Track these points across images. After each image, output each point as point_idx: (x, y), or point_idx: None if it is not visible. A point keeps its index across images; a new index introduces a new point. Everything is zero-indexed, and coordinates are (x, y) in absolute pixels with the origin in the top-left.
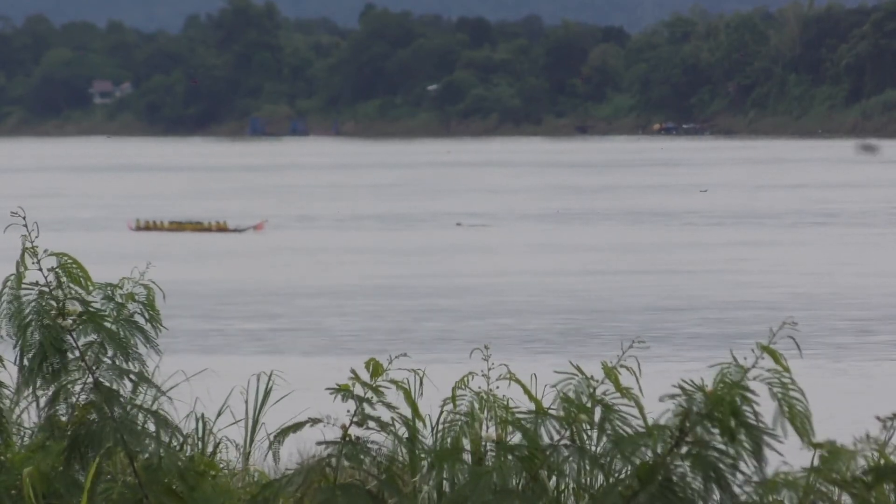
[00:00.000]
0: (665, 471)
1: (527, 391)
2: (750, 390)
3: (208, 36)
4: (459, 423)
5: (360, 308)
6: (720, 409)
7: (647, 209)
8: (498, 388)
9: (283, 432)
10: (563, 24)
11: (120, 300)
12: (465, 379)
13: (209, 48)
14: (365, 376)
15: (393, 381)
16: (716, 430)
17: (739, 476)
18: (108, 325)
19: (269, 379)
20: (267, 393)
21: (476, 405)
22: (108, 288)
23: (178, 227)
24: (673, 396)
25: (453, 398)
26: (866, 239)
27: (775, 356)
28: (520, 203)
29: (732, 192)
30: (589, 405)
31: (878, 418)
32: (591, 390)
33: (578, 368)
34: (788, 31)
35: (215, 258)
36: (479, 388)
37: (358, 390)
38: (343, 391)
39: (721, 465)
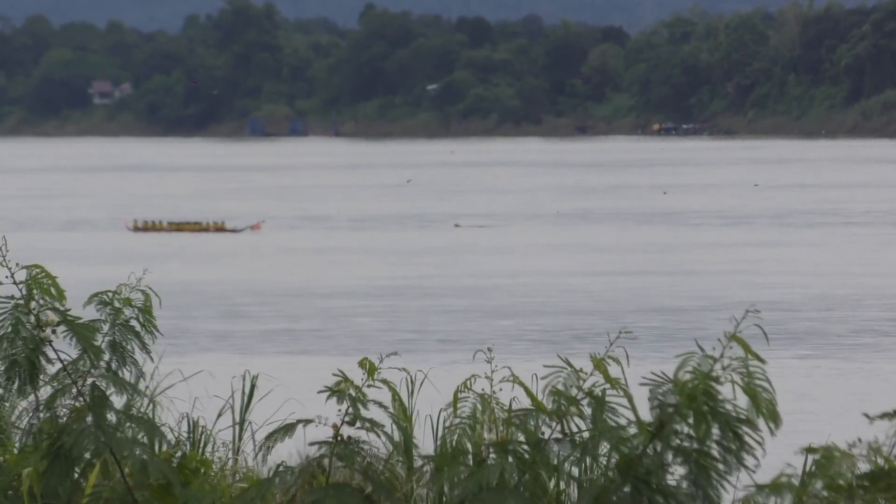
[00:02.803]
0: (644, 463)
1: (529, 393)
2: (718, 381)
3: (208, 36)
4: (462, 426)
5: (360, 308)
6: (693, 400)
7: (651, 209)
8: (501, 389)
9: (274, 434)
10: (562, 24)
11: (118, 305)
12: (469, 381)
13: (209, 48)
14: (357, 376)
15: (384, 381)
16: (691, 421)
17: (719, 466)
18: (89, 333)
19: (254, 379)
20: (252, 391)
21: (479, 407)
22: (106, 294)
23: (176, 227)
24: (651, 385)
25: (454, 401)
26: (878, 239)
27: (743, 344)
28: (522, 203)
29: (739, 192)
30: (579, 398)
31: (866, 416)
32: (581, 382)
33: (567, 361)
34: (788, 31)
35: (213, 258)
36: (483, 389)
37: (349, 391)
38: (335, 393)
39: (698, 456)
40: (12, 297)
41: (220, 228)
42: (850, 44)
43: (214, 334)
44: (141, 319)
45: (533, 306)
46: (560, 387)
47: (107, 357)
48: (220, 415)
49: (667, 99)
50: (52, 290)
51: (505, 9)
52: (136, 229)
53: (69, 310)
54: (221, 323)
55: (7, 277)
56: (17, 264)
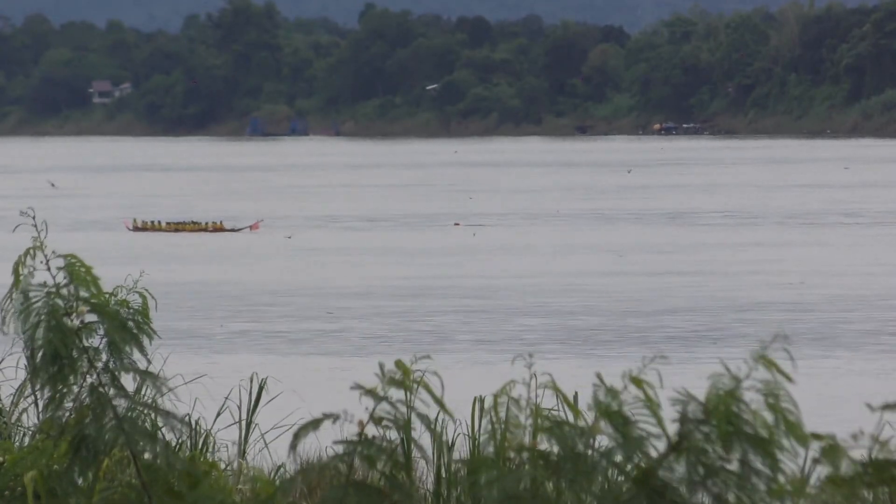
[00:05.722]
0: (659, 476)
1: (568, 403)
2: (743, 400)
3: (208, 36)
4: (497, 429)
5: (364, 309)
6: (715, 417)
7: (656, 210)
8: (539, 396)
9: (304, 429)
10: (562, 24)
11: (115, 306)
12: (507, 387)
13: (209, 48)
14: (371, 378)
15: (419, 382)
16: (713, 439)
17: (734, 482)
18: (114, 323)
19: (263, 381)
20: (260, 394)
21: (516, 413)
22: (103, 295)
23: (175, 227)
24: (676, 403)
25: (495, 405)
26: (891, 239)
27: (772, 366)
28: (524, 203)
29: (747, 192)
30: (610, 414)
31: (869, 406)
32: (611, 400)
33: (600, 378)
34: (788, 31)
35: (213, 259)
36: (520, 395)
37: (381, 390)
38: (369, 392)
39: (714, 471)
40: (45, 285)
41: (218, 228)
42: (850, 44)
43: (216, 335)
44: (139, 320)
45: (545, 306)
46: (595, 402)
47: (105, 358)
48: (219, 414)
49: (667, 99)
50: (88, 279)
51: (505, 9)
52: (136, 229)
53: (102, 299)
54: (223, 323)
55: (42, 264)
56: (53, 252)
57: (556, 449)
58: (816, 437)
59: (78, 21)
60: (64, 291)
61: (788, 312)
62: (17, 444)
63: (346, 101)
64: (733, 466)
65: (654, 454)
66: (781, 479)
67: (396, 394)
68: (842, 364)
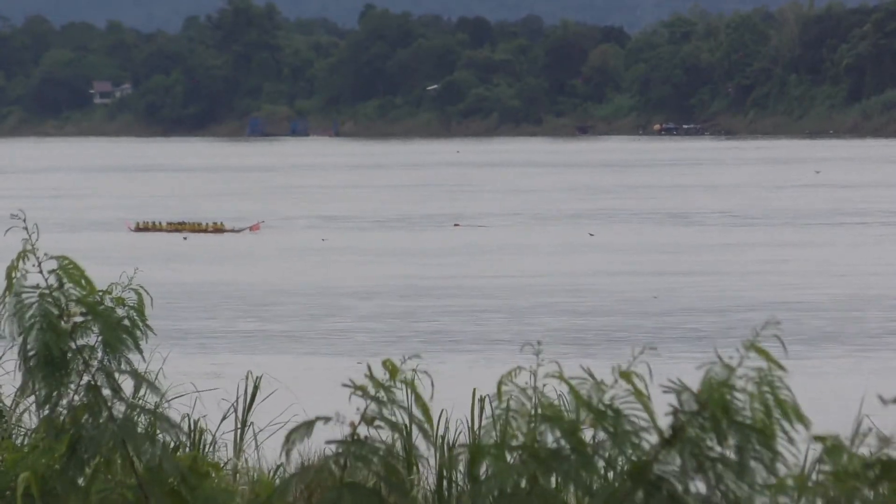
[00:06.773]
0: (655, 469)
1: (574, 391)
2: (737, 388)
3: (207, 36)
4: (502, 417)
5: (359, 309)
6: (709, 408)
7: (659, 210)
8: (545, 385)
9: (297, 430)
10: (562, 25)
11: (110, 304)
12: (512, 373)
13: (208, 48)
14: (373, 377)
15: (405, 382)
16: (708, 429)
17: (731, 474)
18: (107, 324)
19: (257, 380)
20: (255, 392)
21: (524, 402)
22: (97, 294)
23: (175, 227)
24: (670, 391)
25: (499, 392)
26: (892, 239)
27: (763, 354)
28: (526, 203)
29: (747, 192)
30: (600, 409)
31: (880, 398)
32: (601, 394)
33: (589, 372)
34: (788, 31)
35: (212, 258)
36: (526, 383)
37: (371, 389)
38: (359, 389)
39: (711, 462)
40: (37, 287)
41: (218, 229)
42: (850, 44)
43: (215, 334)
44: (134, 317)
45: (546, 306)
46: (585, 397)
47: (99, 356)
48: (224, 418)
49: (667, 99)
50: (82, 280)
51: (505, 9)
52: (137, 229)
53: (96, 299)
54: (217, 323)
55: (34, 266)
56: (46, 254)
57: (556, 443)
58: (819, 438)
59: (78, 21)
60: (56, 293)
61: (790, 312)
62: (18, 444)
63: (346, 102)
64: (730, 456)
65: (646, 447)
66: (781, 468)
67: (388, 393)
68: (844, 364)
